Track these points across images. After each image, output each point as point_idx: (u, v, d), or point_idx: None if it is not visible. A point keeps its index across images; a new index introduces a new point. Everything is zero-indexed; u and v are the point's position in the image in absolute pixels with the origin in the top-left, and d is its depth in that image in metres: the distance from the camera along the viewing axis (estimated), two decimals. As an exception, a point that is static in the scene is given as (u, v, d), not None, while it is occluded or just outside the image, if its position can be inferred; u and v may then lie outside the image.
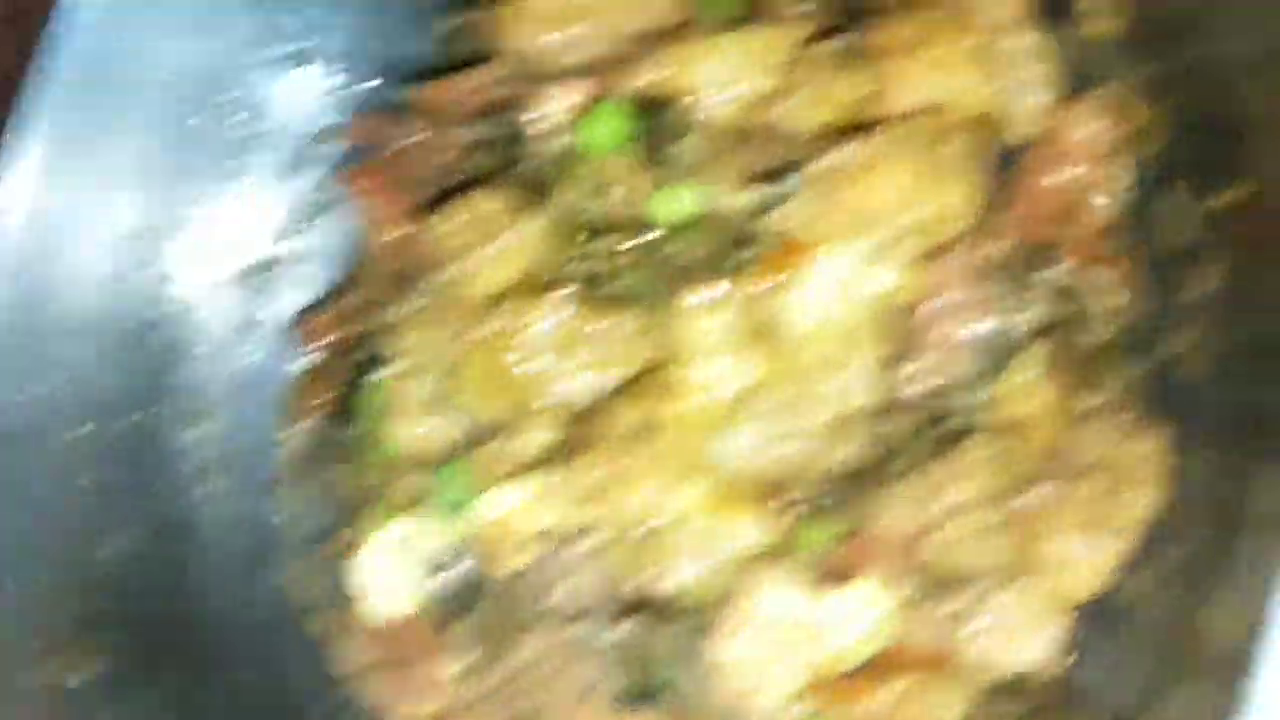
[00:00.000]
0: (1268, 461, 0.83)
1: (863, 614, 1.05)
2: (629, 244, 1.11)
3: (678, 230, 1.10)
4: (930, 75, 1.03)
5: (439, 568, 1.23)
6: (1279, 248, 0.87)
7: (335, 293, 1.44)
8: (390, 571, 1.22)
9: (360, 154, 1.40)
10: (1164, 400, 0.97)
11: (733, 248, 1.10)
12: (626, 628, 1.11)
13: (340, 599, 1.36)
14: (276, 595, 1.42)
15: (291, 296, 1.47)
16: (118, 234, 1.38)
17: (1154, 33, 1.00)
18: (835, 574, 1.07)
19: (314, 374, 1.45)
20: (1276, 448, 0.83)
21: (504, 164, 1.23)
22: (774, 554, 1.07)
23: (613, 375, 1.11)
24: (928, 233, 1.01)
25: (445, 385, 1.18)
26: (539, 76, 1.20)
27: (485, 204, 1.16)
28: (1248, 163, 0.90)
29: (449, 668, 1.21)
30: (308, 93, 1.45)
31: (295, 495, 1.45)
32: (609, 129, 1.11)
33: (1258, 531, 0.81)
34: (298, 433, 1.45)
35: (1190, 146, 0.98)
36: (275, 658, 1.39)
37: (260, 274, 1.47)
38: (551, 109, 1.15)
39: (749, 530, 1.07)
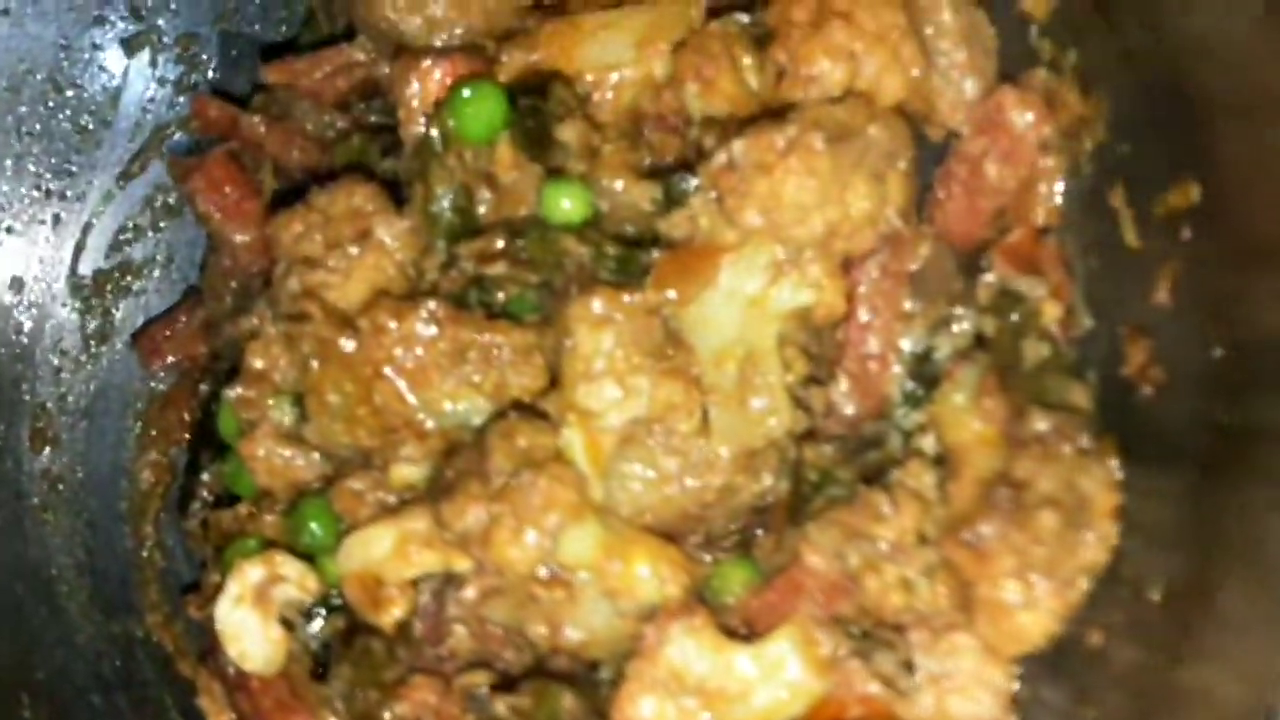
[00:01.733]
0: (1245, 485, 0.72)
1: (784, 670, 0.92)
2: (508, 247, 0.97)
3: (565, 232, 0.97)
4: (845, 58, 0.90)
5: (306, 616, 1.09)
6: (1242, 250, 0.76)
7: (180, 306, 1.29)
8: (251, 620, 1.08)
9: (205, 147, 1.26)
10: (1119, 423, 0.86)
11: (627, 253, 0.97)
12: (520, 690, 0.98)
13: (202, 651, 1.25)
14: (132, 644, 1.29)
15: (143, 307, 1.34)
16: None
17: (1090, 11, 0.88)
18: (752, 626, 0.94)
19: (165, 398, 1.31)
20: (1254, 468, 0.72)
21: (365, 157, 1.09)
22: (682, 605, 0.94)
23: (491, 400, 0.98)
24: (843, 238, 0.89)
25: (302, 410, 1.04)
26: (406, 56, 1.06)
27: (343, 201, 1.01)
28: (1196, 160, 0.79)
29: (317, 729, 1.08)
30: (149, 82, 1.31)
31: (152, 533, 1.32)
32: (484, 113, 0.97)
33: (1251, 566, 0.70)
34: (150, 463, 1.32)
35: (1132, 142, 0.86)
36: (130, 712, 1.26)
37: (111, 280, 1.33)
38: (419, 89, 1.00)
39: (650, 581, 0.94)
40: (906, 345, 0.93)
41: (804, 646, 0.92)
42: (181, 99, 1.32)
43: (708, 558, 0.99)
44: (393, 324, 0.98)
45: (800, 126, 0.86)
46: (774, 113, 0.90)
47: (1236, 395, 0.76)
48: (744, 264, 0.92)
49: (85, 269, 1.32)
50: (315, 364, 1.00)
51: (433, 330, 0.98)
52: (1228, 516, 0.75)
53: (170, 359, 1.30)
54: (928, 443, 0.92)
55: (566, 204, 0.97)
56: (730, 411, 0.94)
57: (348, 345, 0.98)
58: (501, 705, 0.96)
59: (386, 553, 0.99)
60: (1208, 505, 0.77)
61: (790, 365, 0.94)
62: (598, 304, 0.93)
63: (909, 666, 0.90)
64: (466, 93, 0.98)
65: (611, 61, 0.99)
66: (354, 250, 1.00)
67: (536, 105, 0.98)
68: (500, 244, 0.98)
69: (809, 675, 0.92)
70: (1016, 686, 0.90)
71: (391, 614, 1.00)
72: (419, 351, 0.98)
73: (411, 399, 0.99)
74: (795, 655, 0.92)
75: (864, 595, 0.91)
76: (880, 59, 0.89)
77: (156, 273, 1.34)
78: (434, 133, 0.99)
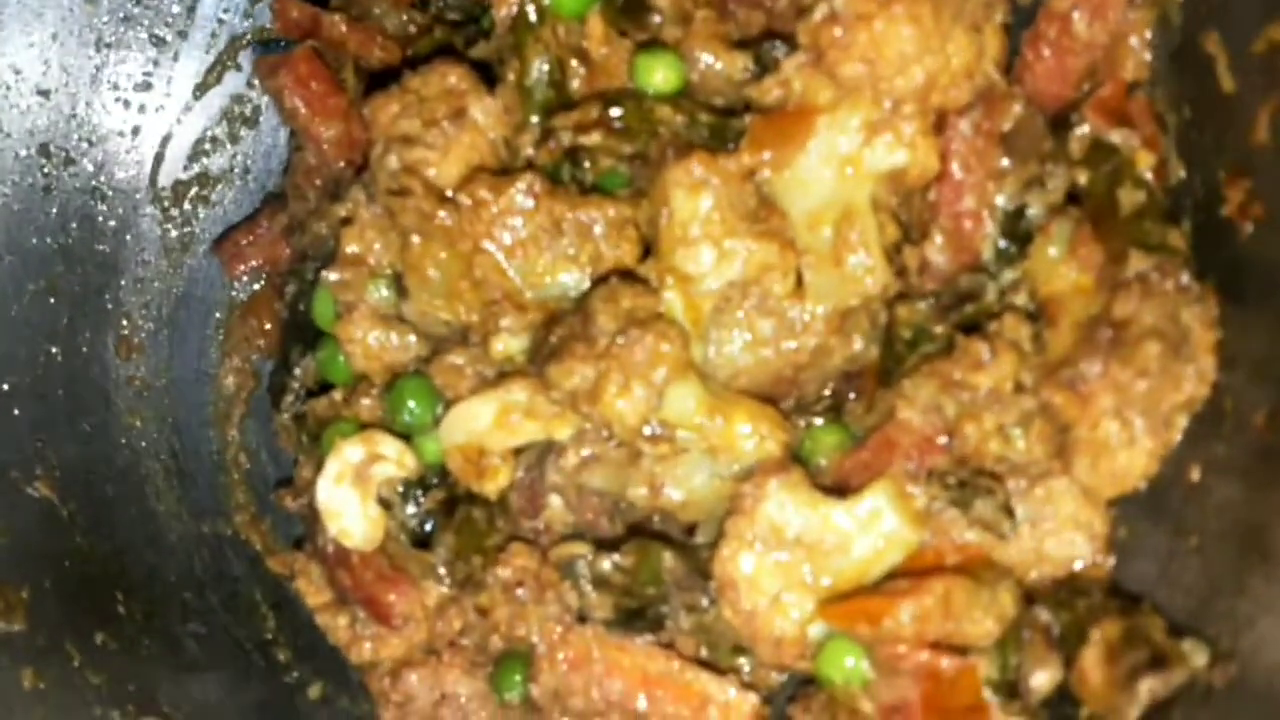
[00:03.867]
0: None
1: (880, 522, 0.94)
2: (603, 117, 0.99)
3: (659, 101, 0.98)
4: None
5: (404, 494, 1.11)
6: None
7: (260, 213, 1.31)
8: (351, 500, 1.11)
9: (286, 50, 1.27)
10: (1216, 264, 0.87)
11: (720, 121, 0.98)
12: (623, 550, 1.00)
13: (295, 539, 1.27)
14: (221, 543, 1.31)
15: (222, 217, 1.36)
16: (35, 143, 1.27)
17: None
18: (845, 485, 0.96)
19: (246, 305, 1.32)
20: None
21: (453, 42, 1.11)
22: (779, 463, 0.96)
23: (590, 269, 1.00)
24: (941, 90, 0.90)
25: (398, 290, 1.06)
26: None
27: (437, 82, 1.03)
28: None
29: (419, 601, 1.10)
30: (226, -13, 1.33)
31: (237, 436, 1.34)
32: (577, -13, 0.99)
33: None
34: (233, 368, 1.34)
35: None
36: (221, 609, 1.29)
37: (191, 190, 1.35)
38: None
39: (750, 438, 0.96)
40: (1000, 202, 0.94)
41: (898, 499, 0.94)
42: (257, 9, 1.33)
43: (801, 423, 1.01)
44: (491, 198, 1.00)
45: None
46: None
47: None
48: (838, 125, 0.93)
49: (165, 179, 1.34)
50: (415, 240, 1.02)
51: (530, 203, 0.99)
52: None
53: (253, 264, 1.31)
54: (1021, 298, 0.94)
55: (660, 74, 0.99)
56: (825, 272, 0.96)
57: (448, 219, 1.00)
58: (605, 564, 0.98)
59: (489, 423, 1.01)
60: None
61: (882, 228, 0.96)
62: (696, 168, 0.95)
63: (1009, 511, 0.92)
64: (560, -32, 1.00)
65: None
66: (450, 128, 1.02)
67: (627, -21, 0.99)
68: (596, 114, 0.99)
69: (904, 526, 0.94)
70: (1114, 528, 0.92)
71: (496, 482, 1.02)
72: (517, 224, 1.00)
73: (511, 271, 1.01)
74: (890, 508, 0.94)
75: (962, 444, 0.92)
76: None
77: (235, 182, 1.36)
78: (529, 8, 1.00)
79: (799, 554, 0.95)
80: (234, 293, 1.35)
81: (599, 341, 0.94)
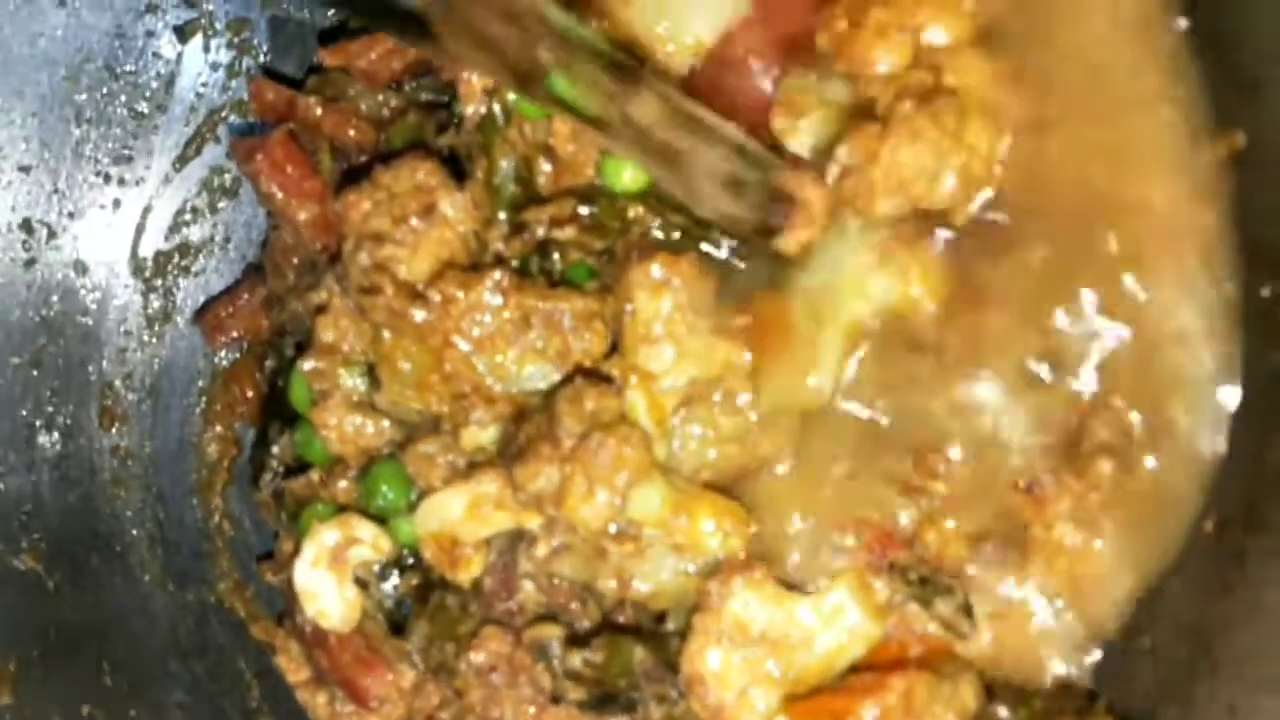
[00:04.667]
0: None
1: (843, 617, 0.96)
2: (572, 215, 1.00)
3: (627, 200, 1.00)
4: (896, 33, 0.91)
5: (380, 576, 1.13)
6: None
7: (241, 284, 1.33)
8: (327, 581, 1.12)
9: (263, 129, 1.29)
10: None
11: (693, 221, 1.00)
12: (593, 645, 1.02)
13: (277, 613, 1.29)
14: (206, 612, 1.33)
15: (203, 286, 1.37)
16: (17, 218, 1.28)
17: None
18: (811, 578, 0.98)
19: (228, 373, 1.34)
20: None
21: (421, 134, 1.12)
22: (744, 560, 0.98)
23: (555, 365, 1.01)
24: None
25: (371, 380, 1.08)
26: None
27: (407, 178, 1.05)
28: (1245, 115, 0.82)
29: (394, 685, 1.12)
30: (202, 67, 1.34)
31: (220, 505, 1.36)
32: (542, 88, 1.00)
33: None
34: (216, 436, 1.36)
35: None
36: (206, 678, 1.30)
37: (172, 261, 1.36)
38: (478, 67, 1.03)
39: (714, 535, 0.97)
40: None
41: (860, 593, 0.96)
42: (234, 83, 1.34)
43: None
44: (460, 294, 1.01)
45: (884, 105, 0.89)
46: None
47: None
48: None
49: (146, 251, 1.35)
50: (387, 334, 1.03)
51: (499, 299, 1.01)
52: (1273, 452, 0.78)
53: (234, 335, 1.33)
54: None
55: (628, 174, 1.00)
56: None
57: (418, 316, 1.02)
58: (576, 659, 1.00)
59: (461, 514, 1.03)
60: (1256, 442, 0.80)
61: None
62: (656, 269, 0.97)
63: (968, 610, 0.94)
64: (525, 68, 1.01)
65: (673, 27, 1.01)
66: (419, 224, 1.03)
67: (594, 78, 1.00)
68: (570, 209, 1.01)
69: (867, 620, 0.96)
70: (1072, 625, 0.94)
71: (469, 571, 1.04)
72: (486, 319, 1.01)
73: (480, 365, 1.02)
74: (853, 602, 0.96)
75: (923, 550, 0.94)
76: (930, 6, 0.90)
77: (215, 252, 1.37)
78: (496, 109, 1.02)
79: (764, 649, 0.97)
80: (216, 361, 1.37)
81: (564, 443, 0.96)
